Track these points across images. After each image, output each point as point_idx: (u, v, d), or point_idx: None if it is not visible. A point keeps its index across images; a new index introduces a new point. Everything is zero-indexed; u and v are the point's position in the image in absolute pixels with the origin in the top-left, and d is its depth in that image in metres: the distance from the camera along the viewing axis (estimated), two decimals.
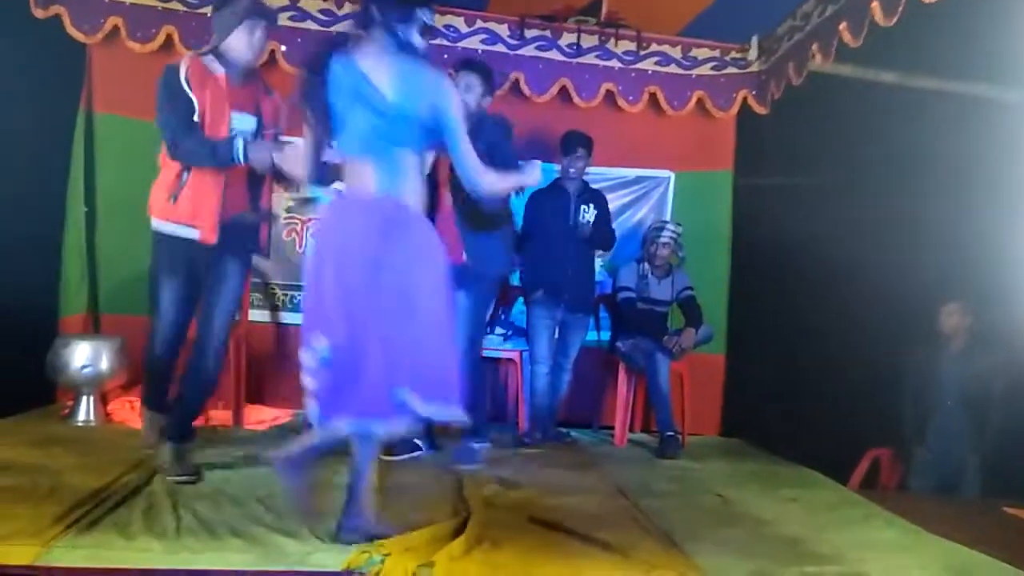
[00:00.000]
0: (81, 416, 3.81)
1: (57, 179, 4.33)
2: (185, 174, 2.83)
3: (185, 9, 4.31)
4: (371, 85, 2.24)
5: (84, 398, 3.83)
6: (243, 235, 2.99)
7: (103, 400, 3.92)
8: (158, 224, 2.90)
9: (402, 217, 2.26)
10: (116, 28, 4.25)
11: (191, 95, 2.80)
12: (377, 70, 2.25)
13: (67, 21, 4.19)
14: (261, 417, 4.17)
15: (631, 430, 4.54)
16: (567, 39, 4.72)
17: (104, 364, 3.79)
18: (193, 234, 2.84)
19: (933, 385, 4.19)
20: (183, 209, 2.84)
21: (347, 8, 4.46)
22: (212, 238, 2.85)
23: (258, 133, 2.93)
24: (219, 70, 2.86)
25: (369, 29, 2.29)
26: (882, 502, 3.27)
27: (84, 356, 3.77)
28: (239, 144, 2.77)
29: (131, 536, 2.26)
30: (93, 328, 4.36)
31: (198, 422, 3.94)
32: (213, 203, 2.84)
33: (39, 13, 4.10)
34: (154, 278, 2.94)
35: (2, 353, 3.50)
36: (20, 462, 2.94)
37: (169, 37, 4.26)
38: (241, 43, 2.85)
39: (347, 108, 2.26)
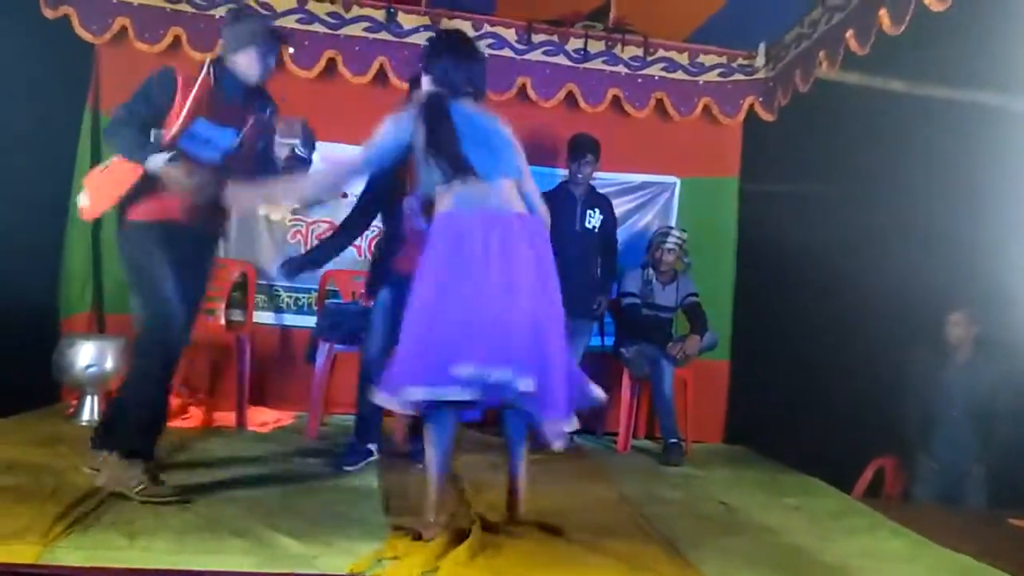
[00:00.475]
0: (85, 415, 3.80)
1: (60, 179, 4.32)
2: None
3: (193, 11, 4.32)
4: (489, 126, 2.61)
5: (88, 397, 3.82)
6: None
7: (107, 399, 3.92)
8: (135, 220, 2.76)
9: (530, 223, 2.56)
10: (124, 29, 4.27)
11: (167, 105, 2.72)
12: (480, 115, 2.62)
13: (75, 21, 4.21)
14: (264, 419, 4.16)
15: (634, 436, 4.53)
16: (574, 44, 4.72)
17: (108, 364, 3.78)
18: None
19: (938, 394, 4.18)
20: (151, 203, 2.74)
21: (354, 11, 4.47)
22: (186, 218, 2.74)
23: (239, 149, 2.85)
24: (212, 80, 2.78)
25: (458, 95, 2.59)
26: (886, 512, 3.27)
27: (89, 355, 3.77)
28: (153, 157, 2.66)
29: (133, 536, 2.26)
30: (97, 328, 4.36)
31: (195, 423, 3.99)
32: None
33: (49, 13, 4.12)
34: (141, 264, 2.73)
35: (5, 352, 3.50)
36: (24, 461, 2.94)
37: (177, 38, 4.28)
38: (250, 65, 2.80)
39: (471, 145, 2.52)
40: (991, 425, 4.01)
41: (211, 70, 2.79)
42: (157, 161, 2.65)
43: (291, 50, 4.36)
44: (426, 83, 2.66)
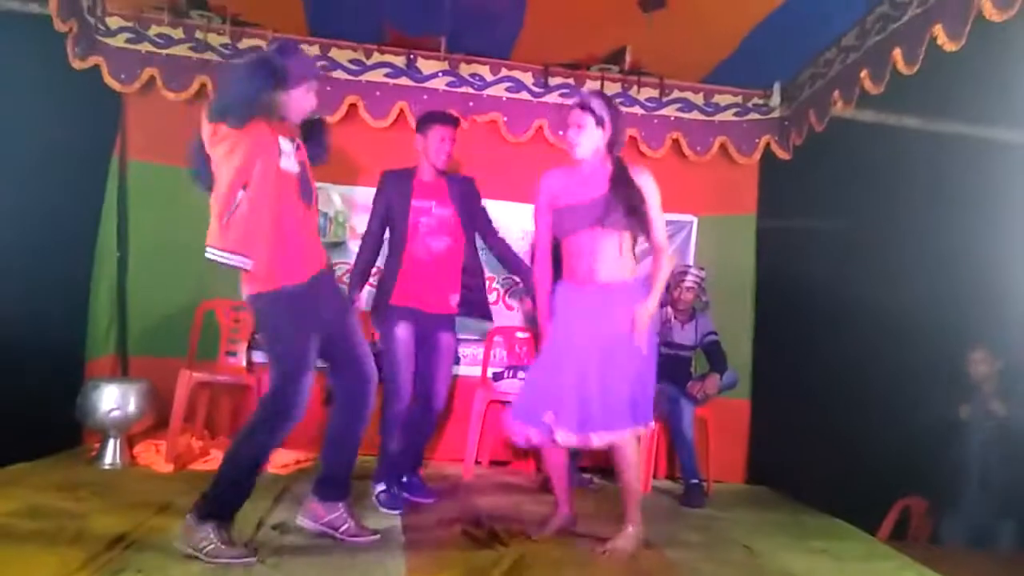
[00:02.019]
0: (107, 459, 3.83)
1: (88, 224, 4.42)
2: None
3: (219, 60, 4.43)
4: None
5: (111, 441, 3.85)
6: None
7: (129, 443, 3.95)
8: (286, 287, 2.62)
9: None
10: (152, 78, 4.38)
11: None
12: None
13: (105, 71, 4.31)
14: (284, 461, 4.17)
15: (655, 476, 4.49)
16: (590, 86, 4.77)
17: (131, 407, 3.82)
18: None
19: (964, 433, 4.12)
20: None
21: (375, 58, 4.57)
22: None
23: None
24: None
25: None
26: (913, 554, 3.21)
27: (112, 399, 3.80)
28: None
29: None
30: (121, 371, 4.41)
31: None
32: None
33: (77, 64, 4.20)
34: (285, 330, 2.65)
35: (31, 395, 3.56)
36: (47, 506, 2.97)
37: (203, 86, 4.38)
38: (302, 103, 2.70)
39: None
40: (1018, 464, 3.94)
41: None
42: None
43: None
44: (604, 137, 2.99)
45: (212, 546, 2.50)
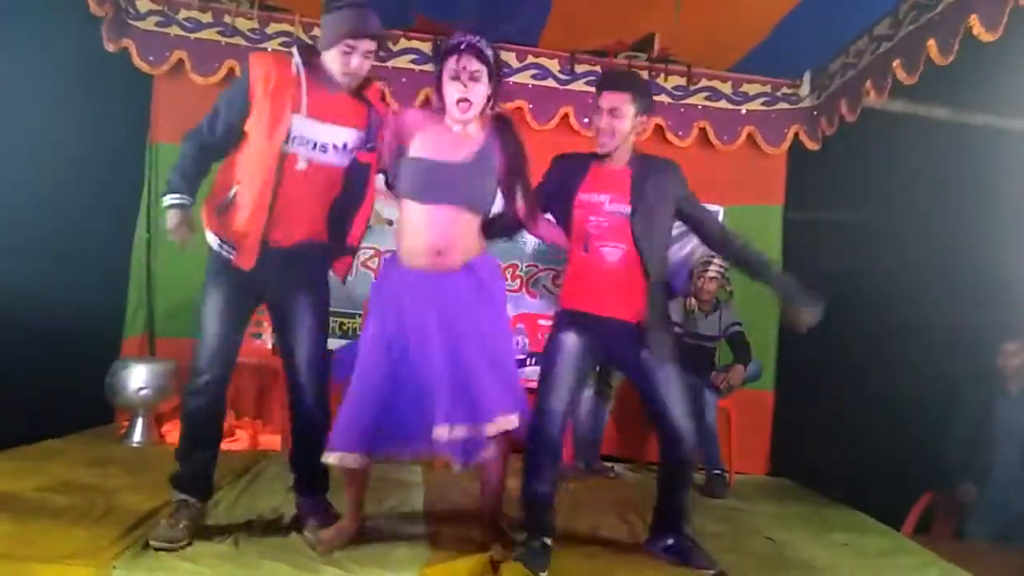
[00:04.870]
0: (136, 437, 3.90)
1: (129, 207, 4.50)
2: (235, 187, 2.53)
3: (247, 44, 4.45)
4: None
5: (139, 419, 3.92)
6: (309, 266, 2.67)
7: (158, 421, 4.01)
8: (207, 234, 2.60)
9: None
10: (181, 61, 4.41)
11: (248, 101, 2.52)
12: None
13: (134, 53, 4.36)
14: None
15: None
16: None
17: (159, 386, 3.88)
18: (229, 254, 2.55)
19: (992, 426, 4.07)
20: (224, 224, 2.56)
21: (402, 44, 4.57)
22: (248, 263, 2.52)
23: (357, 147, 2.62)
24: (308, 74, 2.52)
25: None
26: (938, 550, 3.18)
27: (140, 378, 3.87)
28: (167, 200, 2.52)
29: (182, 560, 2.31)
30: (149, 351, 4.48)
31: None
32: (255, 226, 2.51)
33: (110, 47, 4.27)
34: (203, 290, 2.61)
35: (69, 373, 3.63)
36: (78, 482, 3.03)
37: (231, 71, 4.40)
38: (335, 64, 2.51)
39: None
40: None
41: (307, 66, 2.53)
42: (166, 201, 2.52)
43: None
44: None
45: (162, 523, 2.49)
